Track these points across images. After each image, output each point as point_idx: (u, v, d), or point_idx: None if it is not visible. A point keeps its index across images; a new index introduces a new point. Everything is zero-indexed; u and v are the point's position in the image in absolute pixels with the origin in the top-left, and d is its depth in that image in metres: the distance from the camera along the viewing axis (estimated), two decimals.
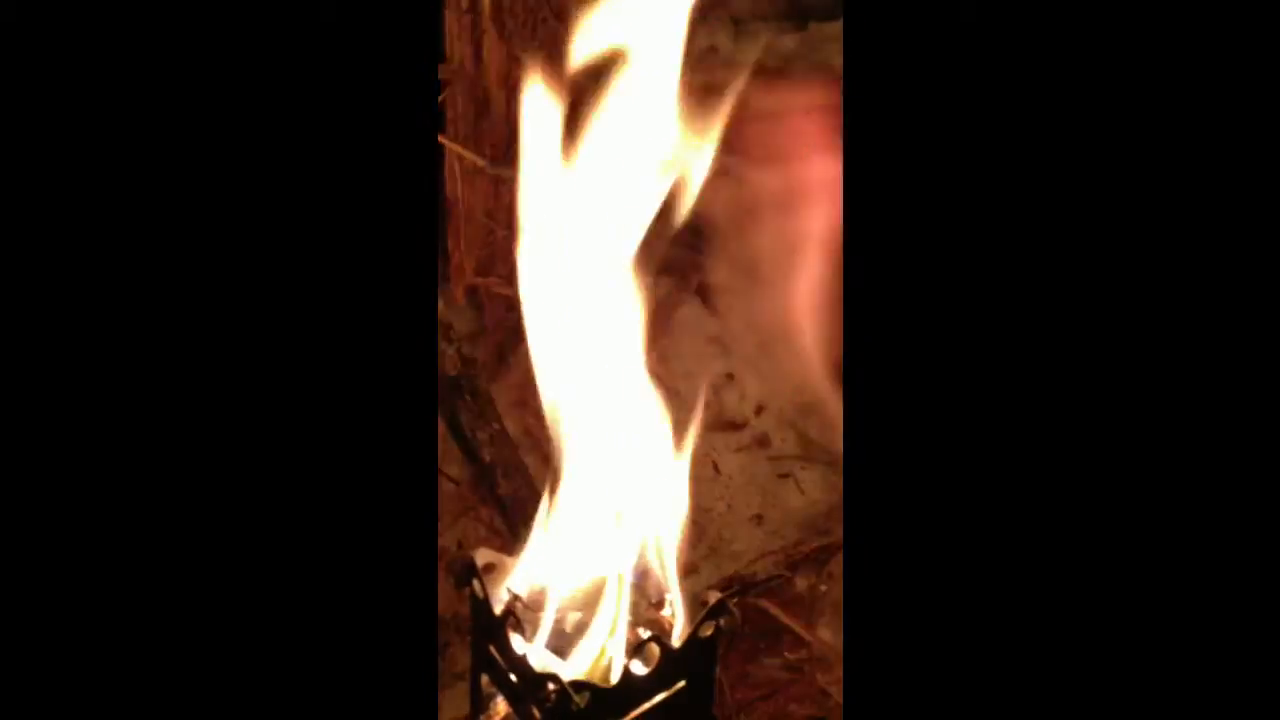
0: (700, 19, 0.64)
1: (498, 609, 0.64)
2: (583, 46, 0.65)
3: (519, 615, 0.64)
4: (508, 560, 0.69)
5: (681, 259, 1.10)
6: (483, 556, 0.68)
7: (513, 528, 0.90)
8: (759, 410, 1.12)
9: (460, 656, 0.83)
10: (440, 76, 0.97)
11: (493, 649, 0.66)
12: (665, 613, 0.68)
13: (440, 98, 0.98)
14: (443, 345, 0.95)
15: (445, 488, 0.96)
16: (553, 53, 0.64)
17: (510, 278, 0.75)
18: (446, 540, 0.95)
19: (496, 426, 0.97)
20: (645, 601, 0.68)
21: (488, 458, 0.96)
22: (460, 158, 1.00)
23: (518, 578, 0.68)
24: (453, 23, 0.97)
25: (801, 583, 0.96)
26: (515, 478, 0.95)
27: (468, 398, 0.97)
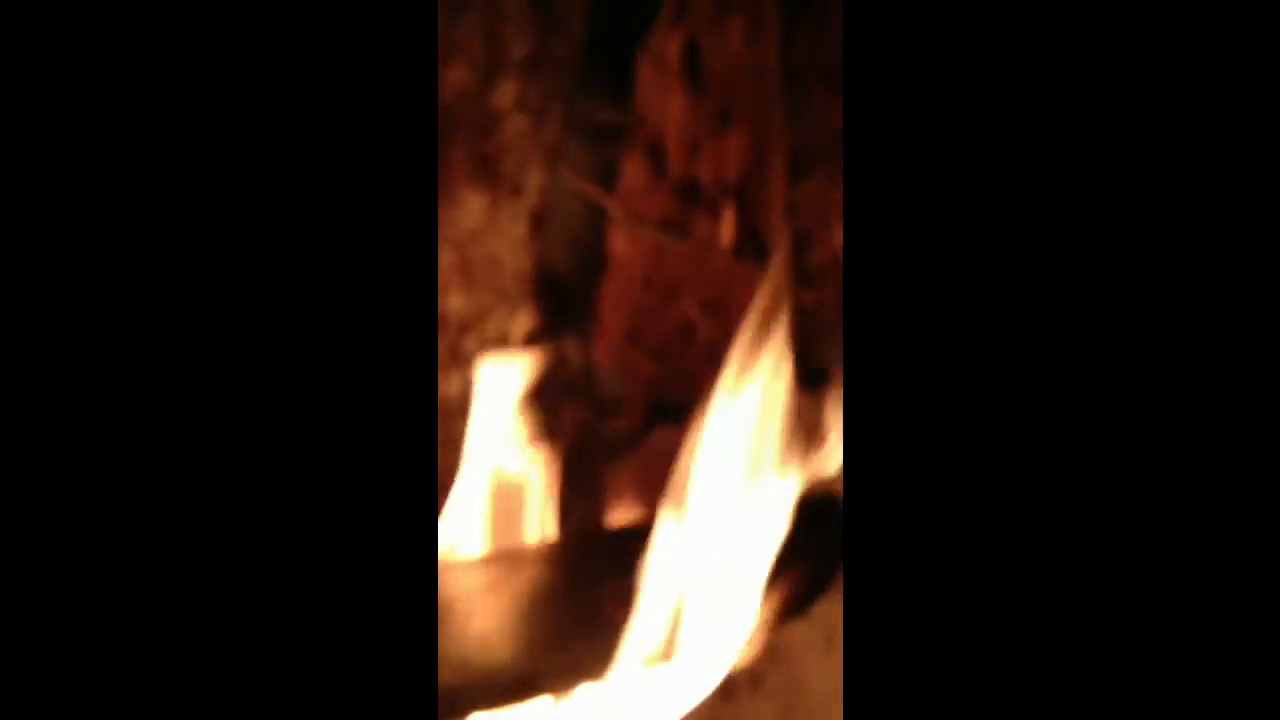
0: None
1: None
2: None
3: None
4: None
5: None
6: None
7: None
8: None
9: None
10: (619, 123, 0.94)
11: None
12: None
13: (614, 149, 0.94)
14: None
15: None
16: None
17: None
18: None
19: None
20: None
21: None
22: (622, 214, 0.95)
23: None
24: (647, 72, 0.94)
25: None
26: None
27: None
